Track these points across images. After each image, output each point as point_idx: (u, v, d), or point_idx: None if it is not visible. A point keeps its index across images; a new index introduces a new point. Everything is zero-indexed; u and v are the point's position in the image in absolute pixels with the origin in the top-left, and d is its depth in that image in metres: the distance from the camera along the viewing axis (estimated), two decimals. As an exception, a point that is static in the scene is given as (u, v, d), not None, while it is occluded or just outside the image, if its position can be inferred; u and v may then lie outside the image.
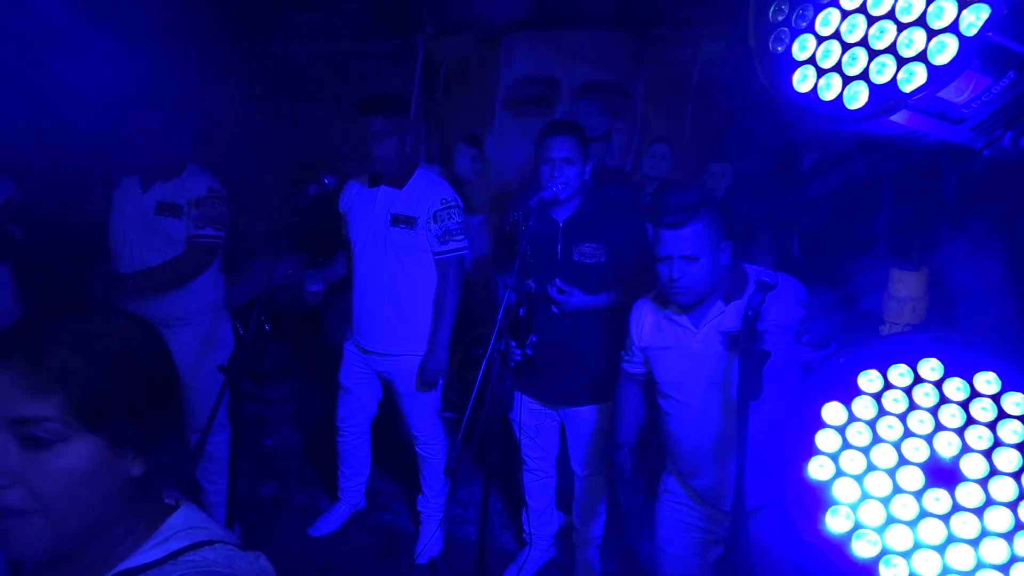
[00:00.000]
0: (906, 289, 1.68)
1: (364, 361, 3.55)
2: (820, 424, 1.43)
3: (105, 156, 3.40)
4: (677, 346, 2.49)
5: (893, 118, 1.17)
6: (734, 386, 2.40)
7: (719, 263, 2.37)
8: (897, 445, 1.38)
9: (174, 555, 1.05)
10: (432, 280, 3.43)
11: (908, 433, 1.38)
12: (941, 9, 1.13)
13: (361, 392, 3.65)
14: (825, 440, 1.43)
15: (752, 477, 1.98)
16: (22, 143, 3.67)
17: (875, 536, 1.34)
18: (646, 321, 2.60)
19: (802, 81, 1.30)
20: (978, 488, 1.30)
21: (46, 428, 0.96)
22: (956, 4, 1.11)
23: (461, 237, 3.41)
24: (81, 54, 3.76)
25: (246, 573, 1.06)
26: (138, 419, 1.03)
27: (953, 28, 1.11)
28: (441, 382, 3.56)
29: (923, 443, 1.37)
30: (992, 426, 1.33)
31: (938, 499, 1.32)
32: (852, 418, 1.43)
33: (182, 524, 1.09)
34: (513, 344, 2.70)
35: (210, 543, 1.08)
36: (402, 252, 3.35)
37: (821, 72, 1.28)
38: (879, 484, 1.37)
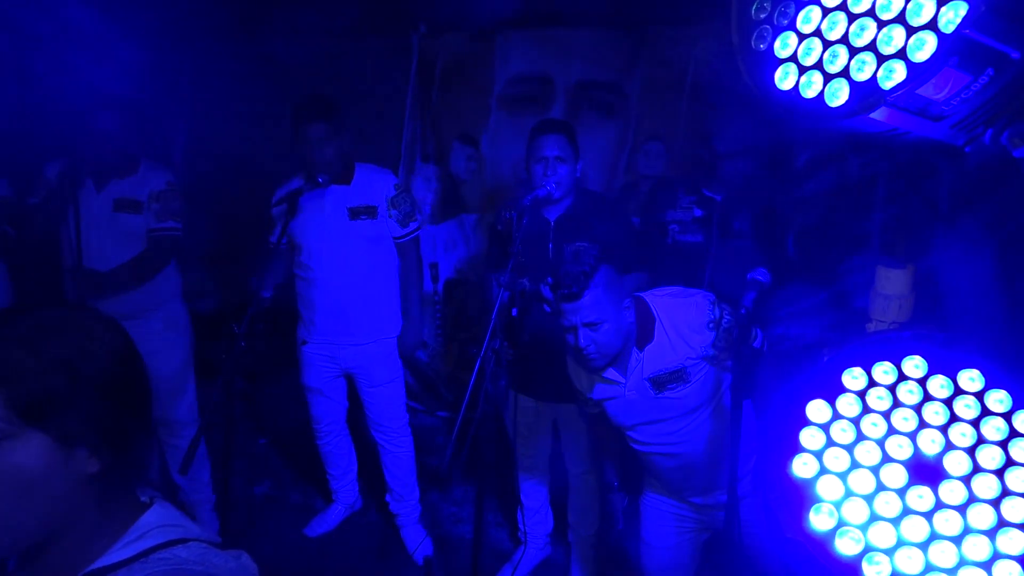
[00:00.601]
0: (892, 287, 1.68)
1: (331, 358, 3.57)
2: (804, 422, 1.43)
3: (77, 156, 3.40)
4: (614, 397, 2.50)
5: (873, 115, 1.17)
6: (678, 419, 2.43)
7: (624, 321, 2.35)
8: (881, 443, 1.38)
9: (145, 553, 1.04)
10: (393, 264, 3.49)
11: (892, 431, 1.38)
12: (920, 6, 1.13)
13: (331, 390, 3.66)
14: (809, 438, 1.43)
15: (722, 473, 1.99)
16: (15, 142, 3.67)
17: (858, 533, 1.34)
18: (582, 376, 2.60)
19: (784, 79, 1.30)
20: (961, 485, 1.31)
21: None
22: (935, 1, 1.11)
23: (417, 217, 3.52)
24: (75, 51, 3.76)
25: (222, 571, 1.05)
26: (89, 417, 1.01)
27: (932, 25, 1.11)
28: (404, 371, 3.64)
29: (907, 440, 1.37)
30: (975, 423, 1.33)
31: (921, 496, 1.32)
32: (836, 416, 1.43)
33: (155, 522, 1.08)
34: (507, 344, 2.70)
35: (183, 541, 1.07)
36: (366, 243, 3.40)
37: (803, 70, 1.28)
38: (863, 482, 1.37)
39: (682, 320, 2.37)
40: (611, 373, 2.45)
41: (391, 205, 3.39)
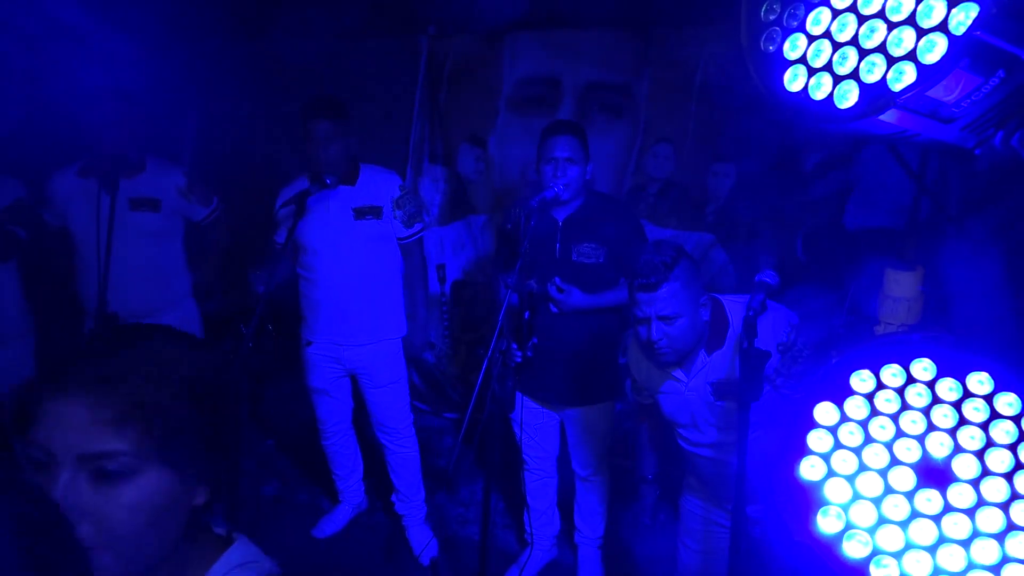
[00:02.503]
0: (901, 289, 1.67)
1: (335, 359, 3.57)
2: (812, 424, 1.43)
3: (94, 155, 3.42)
4: (673, 393, 2.49)
5: (883, 117, 1.17)
6: (730, 430, 2.41)
7: (699, 319, 2.32)
8: (889, 445, 1.38)
9: None
10: (397, 265, 3.51)
11: (900, 433, 1.38)
12: (931, 8, 1.12)
13: (336, 391, 3.67)
14: (817, 440, 1.42)
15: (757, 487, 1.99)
16: (31, 141, 3.69)
17: (866, 536, 1.33)
18: (642, 366, 2.59)
19: (793, 80, 1.29)
20: (970, 489, 1.30)
21: (120, 462, 0.92)
22: (945, 3, 1.11)
23: (423, 218, 3.56)
24: (84, 53, 3.78)
25: None
26: (208, 447, 1.00)
27: (942, 27, 1.11)
28: (410, 372, 3.65)
29: (915, 443, 1.36)
30: (984, 426, 1.32)
31: (930, 499, 1.32)
32: (844, 418, 1.42)
33: (237, 559, 1.07)
34: (514, 346, 2.70)
35: None
36: (371, 243, 3.41)
37: (812, 71, 1.27)
38: (871, 484, 1.36)
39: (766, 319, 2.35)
40: (675, 371, 2.45)
41: (396, 206, 3.40)
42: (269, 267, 3.51)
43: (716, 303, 2.41)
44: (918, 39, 1.14)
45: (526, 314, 2.74)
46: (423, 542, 3.70)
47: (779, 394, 2.39)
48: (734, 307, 2.42)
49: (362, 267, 3.42)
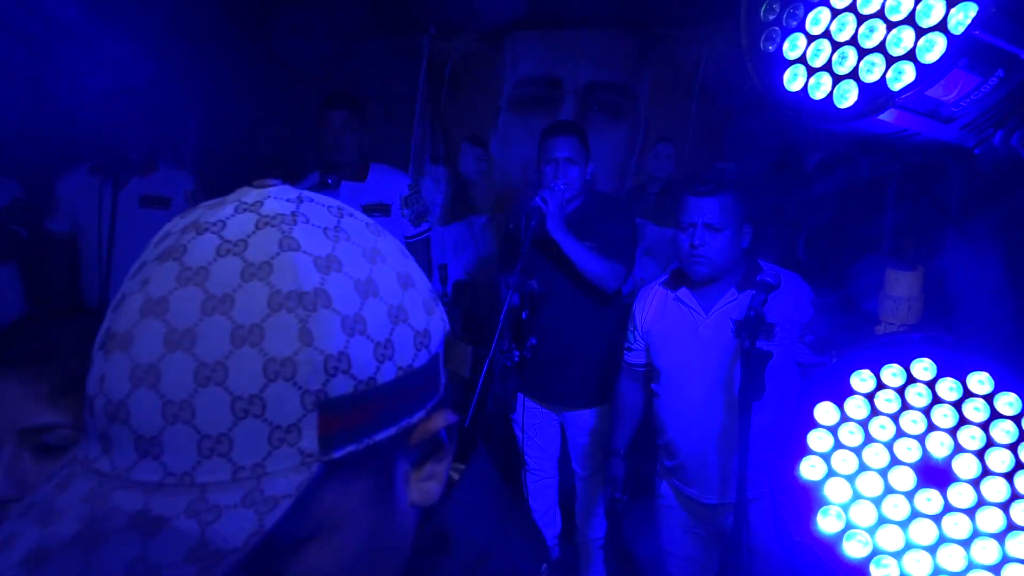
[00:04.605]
0: (902, 289, 1.67)
1: None
2: (813, 424, 1.43)
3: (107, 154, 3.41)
4: (682, 330, 2.48)
5: (882, 117, 1.17)
6: (735, 382, 2.40)
7: (739, 244, 2.40)
8: (889, 445, 1.38)
9: None
10: None
11: (900, 433, 1.38)
12: (930, 7, 1.13)
13: None
14: (817, 440, 1.42)
15: (749, 471, 2.00)
16: (27, 142, 3.70)
17: (866, 536, 1.33)
18: (653, 303, 2.60)
19: (793, 80, 1.30)
20: (970, 488, 1.30)
21: (59, 435, 0.92)
22: (944, 2, 1.11)
23: (429, 219, 3.58)
24: (85, 54, 3.78)
25: None
26: None
27: (941, 26, 1.11)
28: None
29: (915, 443, 1.36)
30: (985, 426, 1.32)
31: (930, 499, 1.32)
32: (844, 418, 1.42)
33: None
34: (514, 345, 2.71)
35: None
36: None
37: (811, 71, 1.28)
38: (871, 484, 1.36)
39: (787, 286, 2.38)
40: (693, 302, 2.46)
41: (404, 204, 3.43)
42: None
43: (752, 256, 2.47)
44: (917, 39, 1.14)
45: (523, 314, 2.74)
46: None
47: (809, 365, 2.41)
48: (766, 264, 2.46)
49: None
